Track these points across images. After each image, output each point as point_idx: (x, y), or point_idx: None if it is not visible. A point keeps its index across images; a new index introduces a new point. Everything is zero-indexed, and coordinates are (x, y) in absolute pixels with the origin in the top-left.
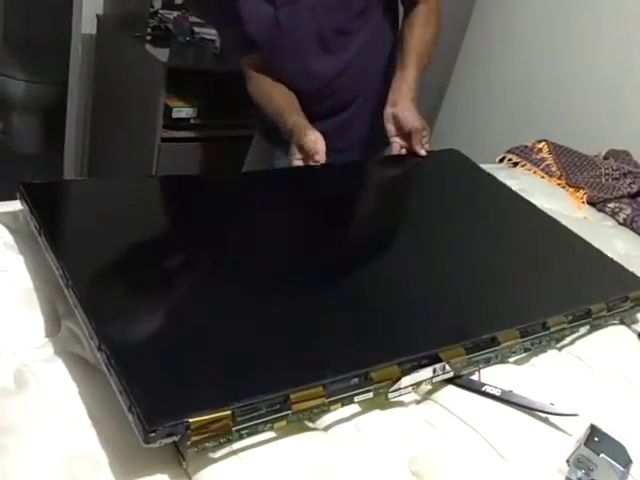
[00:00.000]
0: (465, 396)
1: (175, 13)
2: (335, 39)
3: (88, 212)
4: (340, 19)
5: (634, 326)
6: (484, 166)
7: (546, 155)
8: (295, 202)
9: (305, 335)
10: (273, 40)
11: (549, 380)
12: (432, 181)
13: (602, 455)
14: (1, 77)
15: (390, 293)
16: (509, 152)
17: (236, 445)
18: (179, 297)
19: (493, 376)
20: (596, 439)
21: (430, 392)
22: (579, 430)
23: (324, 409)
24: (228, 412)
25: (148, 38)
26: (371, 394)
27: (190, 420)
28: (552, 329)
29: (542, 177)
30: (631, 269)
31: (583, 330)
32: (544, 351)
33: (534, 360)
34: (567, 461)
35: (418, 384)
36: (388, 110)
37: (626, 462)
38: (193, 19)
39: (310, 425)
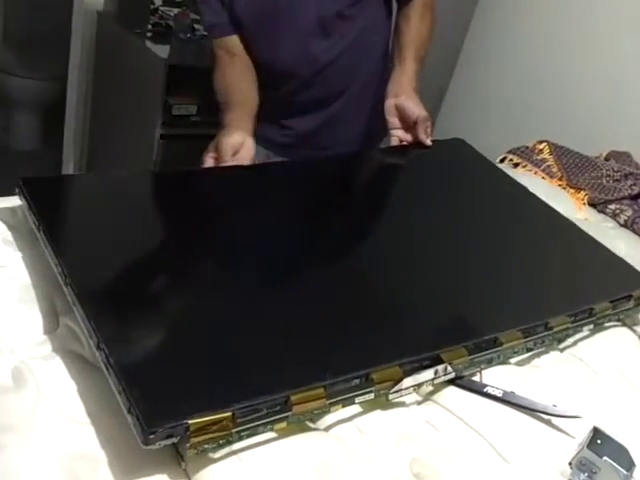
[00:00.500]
0: (467, 397)
1: (176, 10)
2: (335, 23)
3: (88, 208)
4: (341, 2)
5: (636, 327)
6: None
7: (547, 156)
8: (296, 195)
9: (306, 336)
10: (268, 21)
11: (551, 381)
12: (437, 172)
13: (605, 458)
14: (0, 73)
15: (391, 293)
16: (510, 153)
17: (236, 445)
18: (179, 297)
19: (495, 377)
20: (599, 442)
21: (431, 393)
22: (582, 432)
23: (325, 410)
24: (228, 414)
25: (149, 35)
26: (372, 395)
27: (190, 422)
28: (555, 329)
29: (543, 178)
30: None
31: (586, 330)
32: (546, 352)
33: (536, 361)
34: (570, 463)
35: (419, 385)
36: (390, 102)
37: (629, 465)
38: (194, 16)
39: (311, 425)
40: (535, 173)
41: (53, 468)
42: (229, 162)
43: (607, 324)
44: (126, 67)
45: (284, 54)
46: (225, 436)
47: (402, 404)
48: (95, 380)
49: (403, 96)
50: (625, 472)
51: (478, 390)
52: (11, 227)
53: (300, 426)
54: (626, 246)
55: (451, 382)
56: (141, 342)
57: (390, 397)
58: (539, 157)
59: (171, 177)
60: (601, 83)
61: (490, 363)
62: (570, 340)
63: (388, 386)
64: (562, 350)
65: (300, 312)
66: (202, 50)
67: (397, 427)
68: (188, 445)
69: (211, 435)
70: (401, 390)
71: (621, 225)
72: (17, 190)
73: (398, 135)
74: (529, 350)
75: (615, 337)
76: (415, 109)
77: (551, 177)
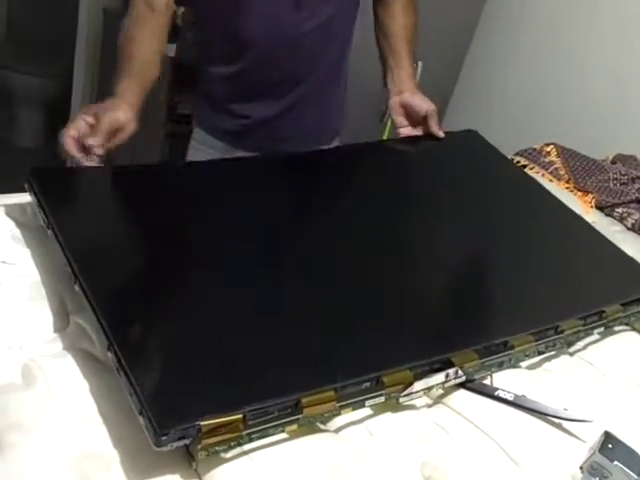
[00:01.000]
0: (477, 400)
1: (182, 8)
2: None
3: (99, 202)
4: None
5: None
6: None
7: (554, 158)
8: (308, 190)
9: (317, 339)
10: None
11: (561, 385)
12: (449, 164)
13: (616, 462)
14: (6, 70)
15: (402, 296)
16: (517, 155)
17: (247, 446)
18: (191, 298)
19: (505, 380)
20: (610, 446)
21: (442, 396)
22: (592, 436)
23: (335, 413)
24: (239, 415)
25: None
26: (383, 398)
27: (202, 423)
28: (566, 332)
29: (550, 180)
30: None
31: (596, 334)
32: (556, 356)
33: (546, 365)
34: (581, 468)
35: (430, 388)
36: (395, 100)
37: None
38: None
39: (321, 427)
40: (542, 175)
41: (63, 467)
42: (98, 140)
43: (617, 328)
44: None
45: (251, 20)
46: (236, 438)
47: (413, 407)
48: (106, 379)
49: (407, 93)
50: (636, 477)
51: (489, 393)
52: (20, 224)
53: (311, 427)
54: (633, 249)
55: (462, 385)
56: (152, 344)
57: (401, 400)
58: (546, 159)
59: (186, 169)
60: (607, 86)
61: (501, 367)
62: (580, 344)
63: (399, 389)
64: (572, 354)
65: (311, 315)
66: None
67: (407, 430)
68: (199, 447)
69: (222, 437)
70: (412, 393)
71: (628, 229)
72: (25, 182)
73: (406, 133)
74: (540, 353)
75: (625, 341)
76: (423, 104)
77: (558, 180)
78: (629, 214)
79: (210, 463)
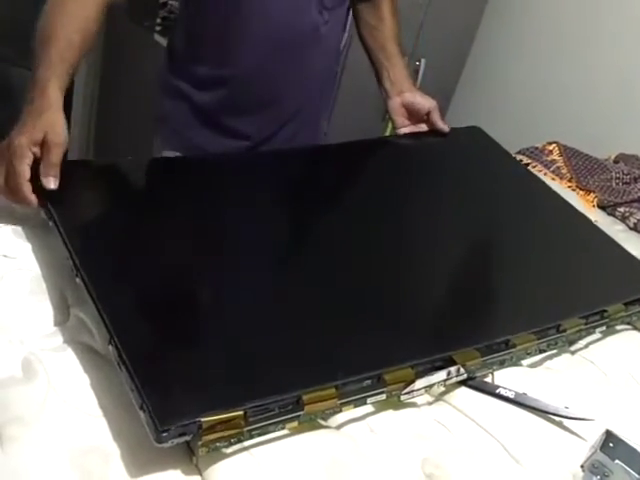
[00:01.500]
0: (478, 398)
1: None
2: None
3: (101, 195)
4: None
5: None
6: None
7: (557, 157)
8: (310, 186)
9: (318, 336)
10: None
11: (563, 383)
12: (453, 161)
13: (617, 461)
14: (5, 63)
15: (404, 294)
16: (519, 153)
17: (247, 441)
18: (193, 293)
19: (507, 378)
20: (611, 445)
21: (443, 393)
22: (593, 435)
23: (336, 410)
24: (240, 412)
25: (157, 28)
26: (384, 396)
27: (202, 420)
28: (568, 331)
29: (552, 179)
30: None
31: (598, 332)
32: (558, 354)
33: (548, 363)
34: (582, 466)
35: (431, 386)
36: (396, 101)
37: None
38: None
39: (322, 423)
40: (544, 174)
41: (63, 461)
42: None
43: (618, 327)
44: (134, 60)
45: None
46: (237, 434)
47: (414, 404)
48: (106, 372)
49: (407, 93)
50: (637, 475)
51: (490, 391)
52: (21, 218)
53: (312, 424)
54: (635, 249)
55: (463, 383)
56: (154, 339)
57: (402, 398)
58: (549, 158)
59: (194, 162)
60: (610, 85)
61: (502, 365)
62: (582, 342)
63: (400, 387)
64: (573, 352)
65: (312, 312)
66: None
67: (409, 427)
68: (200, 443)
69: (223, 433)
70: (413, 391)
71: (630, 228)
72: None
73: (407, 132)
74: (542, 352)
75: (626, 340)
76: (424, 102)
77: (561, 178)
78: (631, 213)
79: (210, 458)
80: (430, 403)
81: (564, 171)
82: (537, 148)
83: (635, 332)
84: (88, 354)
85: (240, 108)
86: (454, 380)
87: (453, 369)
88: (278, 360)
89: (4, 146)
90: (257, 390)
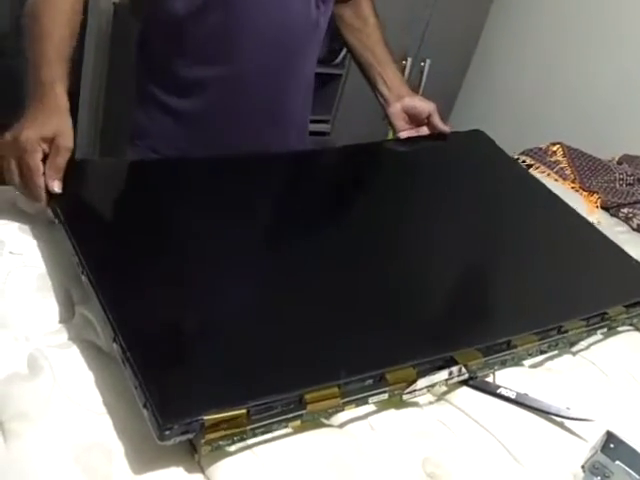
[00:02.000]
0: (480, 398)
1: None
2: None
3: (107, 193)
4: None
5: None
6: None
7: (560, 158)
8: (312, 188)
9: (321, 335)
10: None
11: (564, 384)
12: (454, 165)
13: (618, 462)
14: (13, 62)
15: (406, 293)
16: (523, 154)
17: (250, 440)
18: (198, 293)
19: (508, 379)
20: (612, 446)
21: (445, 393)
22: (594, 435)
23: (339, 409)
24: (243, 411)
25: None
26: (386, 395)
27: (205, 418)
28: (569, 333)
29: (556, 180)
30: None
31: (600, 333)
32: (559, 355)
33: (549, 364)
34: (582, 467)
35: (433, 385)
36: (396, 106)
37: None
38: None
39: (325, 422)
40: (548, 175)
41: (67, 457)
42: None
43: (620, 328)
44: None
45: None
46: (240, 433)
47: (415, 403)
48: (111, 370)
49: (406, 97)
50: (638, 477)
51: (491, 391)
52: (28, 215)
53: (314, 423)
54: (638, 250)
55: (464, 383)
56: (158, 337)
57: (404, 397)
58: (552, 159)
59: (199, 162)
60: (614, 86)
61: (504, 365)
62: (583, 343)
63: (402, 387)
64: (575, 353)
65: (315, 311)
66: None
67: (410, 426)
68: (203, 441)
69: (226, 432)
70: (415, 391)
71: (634, 229)
72: None
73: (407, 136)
74: (543, 352)
75: (628, 341)
76: (424, 105)
77: (564, 179)
78: (635, 214)
79: (213, 456)
80: (432, 403)
81: (568, 172)
82: (541, 149)
83: (636, 333)
84: (93, 351)
85: (232, 112)
86: (456, 380)
87: (455, 369)
88: (281, 359)
89: (8, 140)
90: (260, 389)
